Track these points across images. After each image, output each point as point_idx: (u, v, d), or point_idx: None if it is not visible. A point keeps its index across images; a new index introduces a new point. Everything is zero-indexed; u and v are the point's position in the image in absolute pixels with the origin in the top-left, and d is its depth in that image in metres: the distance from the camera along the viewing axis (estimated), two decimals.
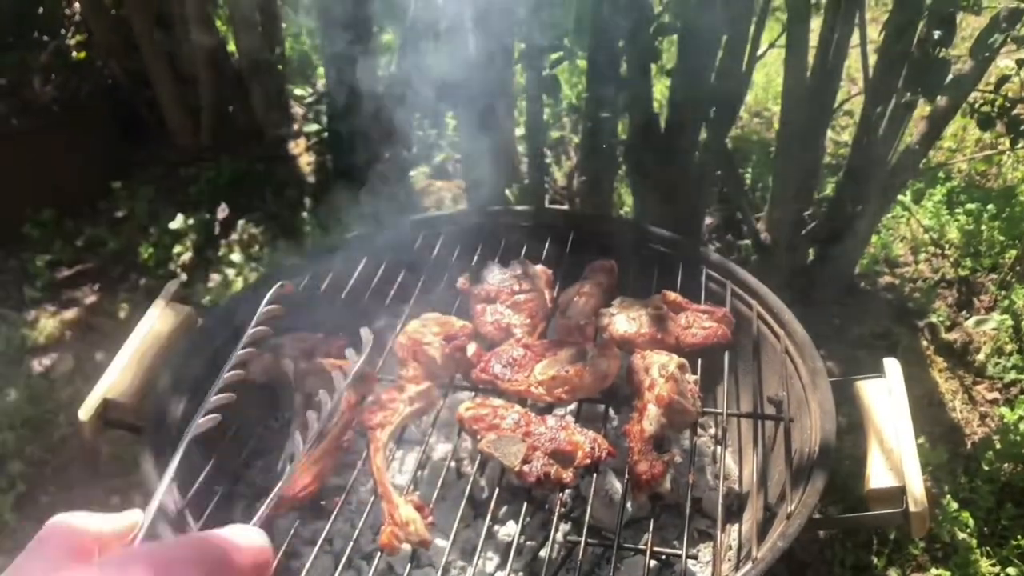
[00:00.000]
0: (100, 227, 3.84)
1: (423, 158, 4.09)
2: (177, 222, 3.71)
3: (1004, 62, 3.90)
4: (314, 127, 4.12)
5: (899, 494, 1.67)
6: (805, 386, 1.95)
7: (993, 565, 2.49)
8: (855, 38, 2.75)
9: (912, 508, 1.63)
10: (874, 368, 1.94)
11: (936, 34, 2.44)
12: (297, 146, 4.16)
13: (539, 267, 2.27)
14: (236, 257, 3.58)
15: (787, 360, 2.02)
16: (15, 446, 3.00)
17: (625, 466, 1.82)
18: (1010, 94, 2.59)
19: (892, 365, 1.88)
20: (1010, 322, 3.06)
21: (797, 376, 1.99)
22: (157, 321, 2.11)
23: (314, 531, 2.04)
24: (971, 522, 2.55)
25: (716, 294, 2.23)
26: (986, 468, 2.69)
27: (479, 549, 1.72)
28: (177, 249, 3.69)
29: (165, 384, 2.02)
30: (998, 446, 2.74)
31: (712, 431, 2.39)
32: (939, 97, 2.69)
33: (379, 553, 1.71)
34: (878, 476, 1.71)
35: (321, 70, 4.48)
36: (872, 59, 2.71)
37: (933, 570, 2.48)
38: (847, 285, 3.30)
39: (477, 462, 1.87)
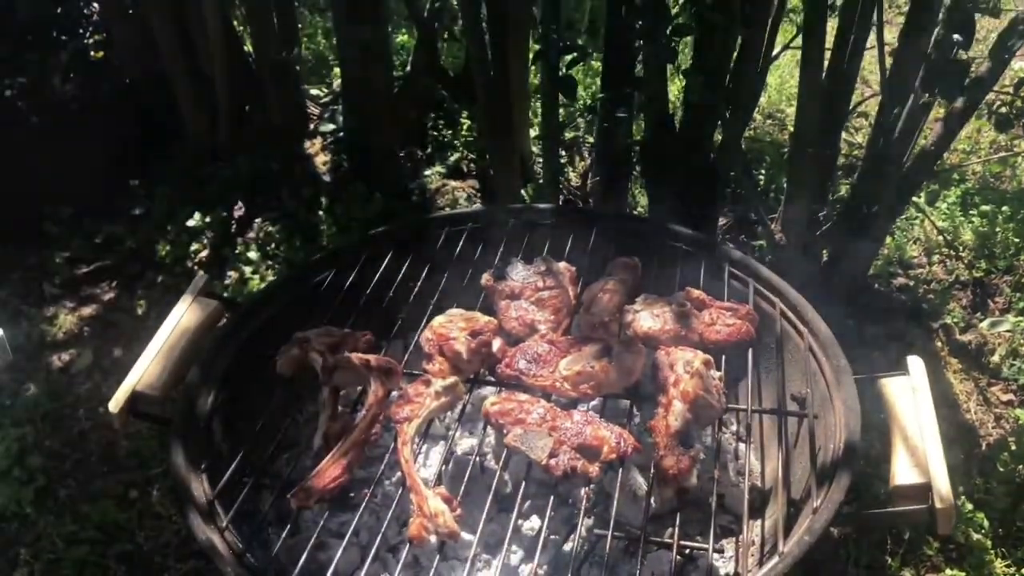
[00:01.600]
0: (118, 225, 3.86)
1: (437, 158, 4.11)
2: (194, 220, 3.73)
3: (1019, 64, 3.91)
4: (330, 127, 4.13)
5: (925, 490, 1.68)
6: (829, 384, 1.97)
7: (1008, 567, 2.49)
8: (870, 39, 2.77)
9: (938, 504, 1.64)
10: (889, 369, 1.96)
11: (955, 36, 2.45)
12: (313, 145, 4.18)
13: (563, 264, 2.29)
14: (253, 255, 3.60)
15: (811, 358, 2.04)
16: (35, 440, 3.02)
17: (649, 462, 1.84)
18: None
19: (916, 363, 1.89)
20: None
21: (821, 373, 2.00)
22: (185, 315, 2.13)
23: (341, 524, 2.06)
24: (986, 523, 2.56)
25: (739, 292, 2.25)
26: (1001, 469, 2.70)
27: (506, 543, 1.74)
28: (194, 247, 3.71)
29: (193, 377, 2.04)
30: (1013, 447, 2.75)
31: (734, 428, 2.41)
32: (955, 100, 2.70)
33: (406, 546, 1.73)
34: (903, 473, 1.73)
35: (337, 70, 4.50)
36: (888, 61, 2.72)
37: (948, 571, 2.49)
38: (861, 286, 3.31)
39: (503, 457, 1.89)
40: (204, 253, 3.70)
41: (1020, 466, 2.71)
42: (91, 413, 3.13)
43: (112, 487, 2.87)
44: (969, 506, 2.58)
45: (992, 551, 2.51)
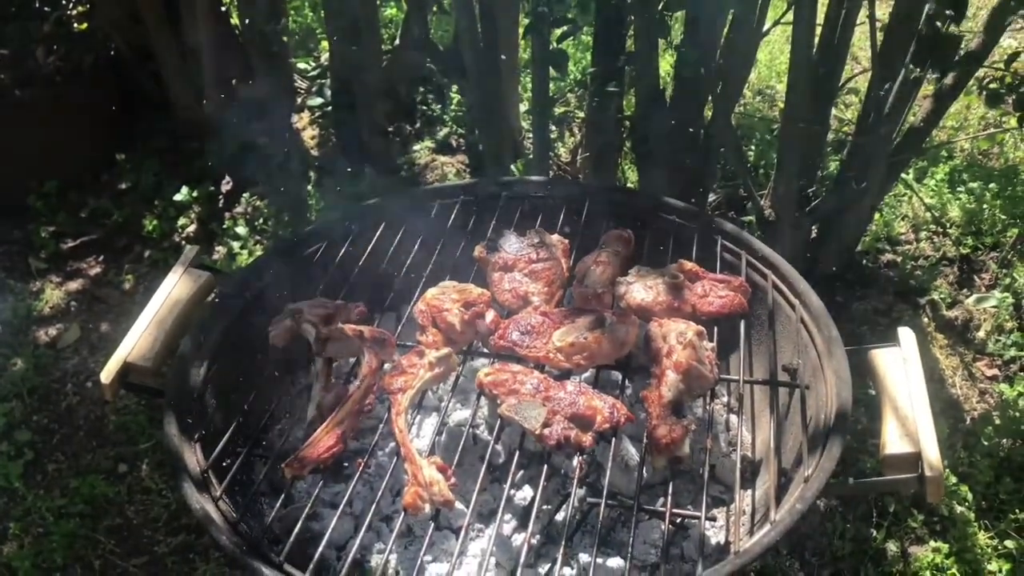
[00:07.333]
0: (104, 199, 3.83)
1: (427, 133, 4.09)
2: (182, 194, 3.69)
3: (1008, 41, 3.93)
4: (318, 100, 4.09)
5: (915, 460, 1.70)
6: (820, 354, 1.98)
7: (991, 538, 2.53)
8: (861, 14, 2.77)
9: (928, 473, 1.66)
10: (877, 343, 1.97)
11: (946, 11, 2.45)
12: (301, 119, 4.15)
13: (555, 236, 2.29)
14: (241, 230, 3.57)
15: (802, 329, 2.05)
16: (22, 415, 3.00)
17: (641, 433, 1.85)
18: (1020, 71, 2.61)
19: (907, 334, 1.91)
20: (1010, 300, 3.09)
21: (812, 345, 2.02)
22: (176, 286, 2.11)
23: (335, 494, 2.07)
24: (970, 496, 2.59)
25: (731, 264, 2.25)
26: (985, 443, 2.73)
27: (499, 512, 1.75)
28: (182, 221, 3.68)
29: (186, 348, 2.03)
30: (997, 422, 2.78)
31: (725, 399, 2.42)
32: (947, 74, 2.71)
33: (399, 515, 1.73)
34: (893, 442, 1.74)
35: (325, 43, 4.45)
36: (878, 36, 2.72)
37: (931, 543, 2.52)
38: (849, 262, 3.32)
39: (496, 428, 1.89)
40: (192, 228, 3.67)
41: (1004, 440, 2.74)
42: (79, 388, 3.11)
43: (101, 462, 2.87)
44: (953, 479, 2.61)
45: (975, 523, 2.55)
